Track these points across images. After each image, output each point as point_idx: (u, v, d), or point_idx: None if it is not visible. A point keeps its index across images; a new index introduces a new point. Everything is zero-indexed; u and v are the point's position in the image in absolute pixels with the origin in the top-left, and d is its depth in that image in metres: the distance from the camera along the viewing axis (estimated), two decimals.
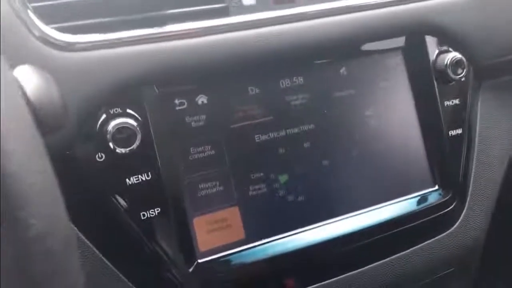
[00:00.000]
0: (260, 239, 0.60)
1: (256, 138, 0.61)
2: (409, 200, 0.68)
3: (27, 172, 0.28)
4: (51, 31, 0.52)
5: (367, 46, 0.67)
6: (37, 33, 0.52)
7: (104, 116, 0.53)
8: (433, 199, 0.69)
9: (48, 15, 0.53)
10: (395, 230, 0.66)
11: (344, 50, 0.66)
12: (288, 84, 0.63)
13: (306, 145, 0.64)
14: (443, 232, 0.71)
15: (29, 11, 0.52)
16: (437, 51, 0.70)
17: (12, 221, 0.27)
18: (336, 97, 0.66)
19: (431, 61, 0.70)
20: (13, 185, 0.27)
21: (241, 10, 0.60)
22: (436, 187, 0.70)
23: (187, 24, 0.57)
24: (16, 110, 0.30)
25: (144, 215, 0.55)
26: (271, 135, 0.62)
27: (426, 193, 0.69)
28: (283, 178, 0.62)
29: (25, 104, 0.32)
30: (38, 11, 0.53)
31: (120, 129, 0.52)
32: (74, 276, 0.30)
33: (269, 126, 0.62)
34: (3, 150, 0.27)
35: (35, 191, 0.28)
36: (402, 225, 0.67)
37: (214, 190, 0.59)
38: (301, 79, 0.64)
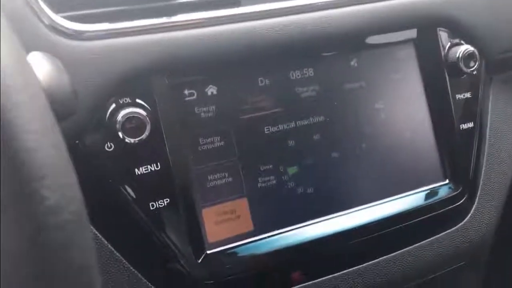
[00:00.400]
0: (269, 231, 0.60)
1: (265, 130, 0.61)
2: (419, 194, 0.68)
3: (41, 145, 0.28)
4: (61, 20, 0.52)
5: (379, 38, 0.66)
6: (47, 22, 0.51)
7: (113, 105, 0.53)
8: (443, 193, 0.69)
9: (58, 4, 0.53)
10: (405, 224, 0.66)
11: (355, 42, 0.65)
12: (298, 75, 0.63)
13: (315, 137, 0.63)
14: (453, 226, 0.70)
15: (39, 0, 0.52)
16: (449, 44, 0.69)
17: (26, 194, 0.27)
18: (346, 89, 0.65)
19: (443, 53, 0.69)
20: (27, 157, 0.28)
21: (252, 0, 0.59)
22: (447, 181, 0.69)
23: (198, 14, 0.57)
24: (31, 86, 0.30)
25: (153, 205, 0.54)
26: (281, 126, 0.62)
27: (436, 187, 0.69)
28: (292, 170, 0.62)
29: (39, 82, 0.32)
30: (48, 0, 0.53)
31: (130, 118, 0.52)
32: (87, 249, 0.30)
33: (279, 118, 0.61)
34: (20, 124, 0.28)
35: (49, 163, 0.28)
36: (412, 219, 0.66)
37: (223, 181, 0.59)
38: (311, 71, 0.63)
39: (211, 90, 0.59)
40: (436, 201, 0.68)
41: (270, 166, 0.61)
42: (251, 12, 0.58)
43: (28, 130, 0.28)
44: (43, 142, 0.29)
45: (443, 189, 0.69)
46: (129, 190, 0.54)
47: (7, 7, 0.50)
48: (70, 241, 0.29)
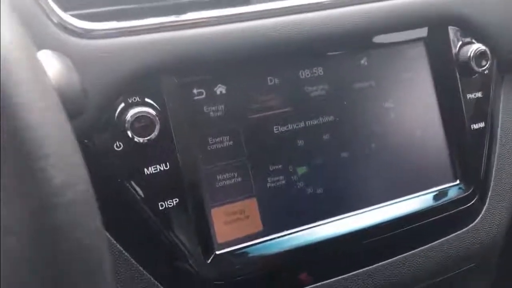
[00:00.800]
0: (278, 231, 0.59)
1: (274, 129, 0.60)
2: (429, 195, 0.67)
3: (46, 123, 0.28)
4: (70, 18, 0.52)
5: (389, 37, 0.66)
6: (56, 20, 0.51)
7: (122, 104, 0.53)
8: (453, 193, 0.68)
9: (67, 2, 0.53)
10: (415, 225, 0.65)
11: (365, 41, 0.64)
12: (308, 74, 0.62)
13: (325, 137, 0.62)
14: (464, 228, 0.69)
15: None
16: (460, 43, 0.69)
17: (31, 173, 0.27)
18: (356, 88, 0.64)
19: (454, 52, 0.68)
20: (32, 136, 0.27)
21: None
22: (457, 181, 0.69)
23: (207, 12, 0.56)
24: (33, 64, 0.30)
25: (162, 205, 0.54)
26: (290, 126, 0.61)
27: (447, 187, 0.68)
28: (302, 170, 0.61)
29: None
30: None
31: (139, 118, 0.51)
32: (94, 229, 0.30)
33: (288, 117, 0.61)
34: (23, 102, 0.28)
35: (54, 142, 0.28)
36: (422, 220, 0.66)
37: (232, 181, 0.58)
38: (321, 70, 0.63)
39: (220, 89, 0.58)
40: (446, 202, 0.67)
41: (279, 166, 0.60)
42: (261, 11, 0.58)
43: (29, 107, 0.28)
44: (45, 119, 0.28)
45: (454, 189, 0.68)
46: (138, 189, 0.53)
47: (16, 6, 0.50)
48: (77, 221, 0.28)
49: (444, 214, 0.67)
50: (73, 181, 0.28)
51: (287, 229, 0.60)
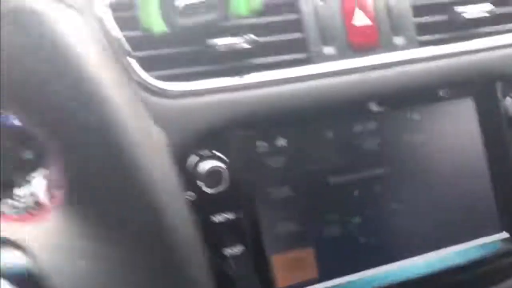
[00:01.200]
0: (333, 278, 0.63)
1: (330, 181, 0.64)
2: (475, 246, 0.69)
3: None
4: (149, 78, 0.57)
5: (440, 93, 0.69)
6: (137, 79, 0.56)
7: (195, 158, 0.57)
8: (500, 245, 0.70)
9: (147, 63, 0.58)
10: (460, 275, 0.68)
11: (417, 97, 0.68)
12: (361, 129, 0.66)
13: (377, 188, 0.66)
14: (507, 280, 0.71)
15: (128, 58, 0.57)
16: (508, 98, 0.71)
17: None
18: (407, 142, 0.68)
19: (502, 107, 0.71)
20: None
21: (321, 58, 0.63)
22: (504, 233, 0.71)
23: (271, 73, 0.60)
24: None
25: (227, 251, 0.58)
26: (345, 178, 0.65)
27: (494, 239, 0.70)
28: (356, 220, 0.65)
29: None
30: (136, 58, 0.57)
31: (211, 171, 0.56)
32: None
33: (343, 169, 0.65)
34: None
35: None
36: (467, 271, 0.68)
37: (291, 229, 0.62)
38: (374, 125, 0.66)
39: (281, 142, 0.62)
40: (492, 253, 0.69)
41: (335, 216, 0.64)
42: (321, 72, 0.62)
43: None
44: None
45: (500, 242, 0.70)
46: (205, 236, 0.57)
47: (103, 66, 0.55)
48: None
49: (489, 266, 0.69)
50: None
51: (342, 276, 0.63)
